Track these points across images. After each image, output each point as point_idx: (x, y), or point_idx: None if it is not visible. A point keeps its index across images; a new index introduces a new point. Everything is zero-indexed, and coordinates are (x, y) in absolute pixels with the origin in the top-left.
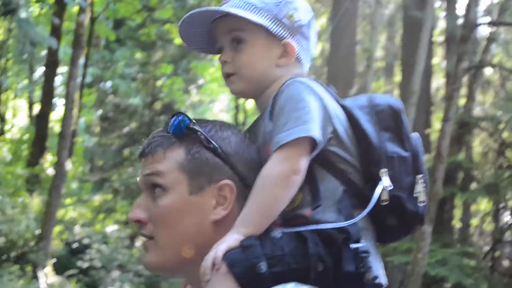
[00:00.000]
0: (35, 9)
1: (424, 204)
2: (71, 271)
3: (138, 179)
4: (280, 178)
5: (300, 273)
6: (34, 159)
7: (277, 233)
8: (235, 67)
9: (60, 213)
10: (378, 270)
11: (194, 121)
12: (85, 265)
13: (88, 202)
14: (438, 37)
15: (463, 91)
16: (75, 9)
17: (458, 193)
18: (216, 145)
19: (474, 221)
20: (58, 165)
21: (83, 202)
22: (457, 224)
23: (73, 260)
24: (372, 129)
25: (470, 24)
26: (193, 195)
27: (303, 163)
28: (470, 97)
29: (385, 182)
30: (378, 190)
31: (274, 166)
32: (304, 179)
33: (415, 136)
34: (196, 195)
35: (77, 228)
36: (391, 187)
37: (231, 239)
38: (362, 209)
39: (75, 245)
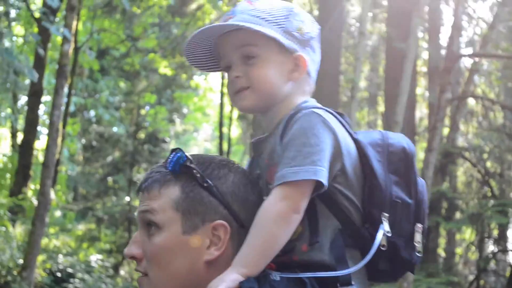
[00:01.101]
0: (18, 38)
1: (421, 254)
2: None
3: (135, 213)
4: (280, 216)
5: None
6: (17, 188)
7: (274, 275)
8: (248, 81)
9: (43, 242)
10: None
11: (191, 158)
12: None
13: (72, 231)
14: (422, 68)
15: (447, 121)
16: (59, 39)
17: (442, 222)
18: (211, 184)
19: (459, 250)
20: (42, 194)
21: (66, 231)
22: (442, 253)
23: None
24: (381, 170)
25: (453, 55)
26: (186, 235)
27: (304, 203)
28: (454, 127)
29: (386, 227)
30: (379, 237)
31: (275, 203)
32: (305, 212)
33: (421, 182)
34: (189, 235)
35: (60, 257)
36: (389, 234)
37: (230, 279)
38: (356, 249)
39: (59, 274)
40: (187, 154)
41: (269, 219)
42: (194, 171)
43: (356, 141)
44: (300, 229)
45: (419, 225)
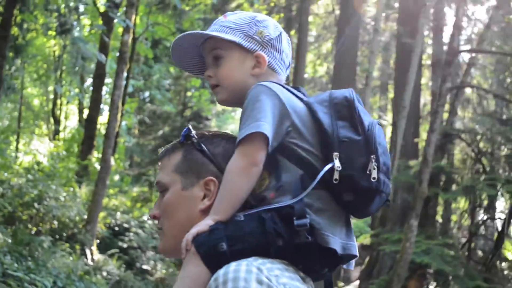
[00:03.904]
0: (85, 29)
1: (376, 180)
2: (113, 250)
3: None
4: (240, 171)
5: (261, 249)
6: (83, 156)
7: (240, 216)
8: (217, 80)
9: (104, 201)
10: (334, 240)
11: (192, 130)
12: (124, 245)
13: (128, 192)
14: (426, 61)
15: (446, 107)
16: (120, 30)
17: (440, 193)
18: (204, 147)
19: (454, 217)
20: (103, 161)
21: (123, 192)
22: (439, 219)
23: (115, 241)
24: (327, 119)
25: (454, 51)
26: (185, 191)
27: (259, 156)
28: (452, 112)
29: (336, 163)
30: (323, 171)
31: (235, 161)
32: (270, 167)
33: (373, 121)
34: (187, 191)
35: (118, 214)
36: (340, 168)
37: (203, 224)
38: (321, 189)
39: (116, 229)
40: (191, 128)
41: (232, 174)
42: (193, 138)
43: (305, 103)
44: (267, 182)
45: (372, 156)
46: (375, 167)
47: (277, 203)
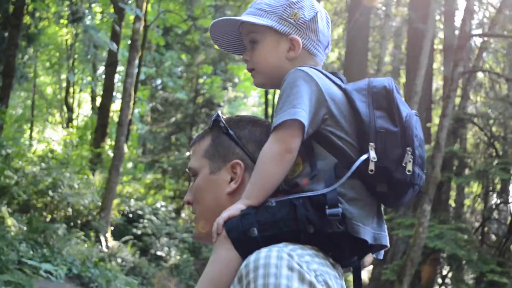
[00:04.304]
0: (97, 17)
1: (410, 173)
2: (127, 237)
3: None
4: (274, 157)
5: (292, 236)
6: (96, 143)
7: (272, 202)
8: (253, 64)
9: (118, 188)
10: (365, 230)
11: (220, 115)
12: (138, 232)
13: (141, 180)
14: (438, 46)
15: (459, 91)
16: (132, 18)
17: (453, 177)
18: (230, 131)
19: (467, 202)
20: (117, 148)
21: (137, 179)
22: (452, 203)
23: (129, 228)
24: (365, 109)
25: (465, 35)
26: (213, 174)
27: (294, 143)
28: (465, 97)
29: (372, 154)
30: (359, 161)
31: (269, 145)
32: (305, 154)
33: (410, 113)
34: (215, 174)
35: (132, 201)
36: (375, 159)
37: (234, 208)
38: (355, 179)
39: (130, 215)
40: (219, 113)
41: (265, 159)
42: (220, 123)
43: (343, 90)
44: (300, 168)
45: (408, 148)
46: (411, 159)
47: (310, 191)
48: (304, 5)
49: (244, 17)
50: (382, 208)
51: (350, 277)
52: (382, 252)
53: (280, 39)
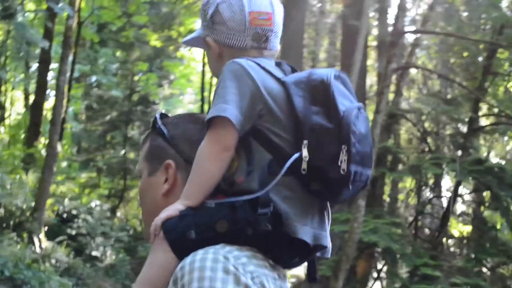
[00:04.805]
0: (30, 14)
1: (345, 172)
2: (61, 237)
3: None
4: (211, 156)
5: (230, 237)
6: (29, 142)
7: (211, 203)
8: None
9: (52, 188)
10: (303, 230)
11: (158, 117)
12: (73, 232)
13: (76, 179)
14: (372, 42)
15: (392, 88)
16: (65, 14)
17: (387, 172)
18: (163, 130)
19: (401, 196)
20: (50, 147)
21: (71, 179)
22: (386, 198)
23: (63, 228)
24: (301, 103)
25: (398, 32)
26: (151, 176)
27: (229, 139)
28: (398, 93)
29: (304, 152)
30: (290, 160)
31: (205, 146)
32: (241, 149)
33: (351, 107)
34: (152, 176)
35: (66, 201)
36: (307, 158)
37: (172, 209)
38: (290, 177)
39: (64, 215)
40: (157, 115)
41: (203, 159)
42: (156, 124)
43: (282, 83)
44: (236, 164)
45: (343, 146)
46: (345, 159)
47: (246, 189)
48: (211, 2)
49: (185, 39)
50: (329, 207)
51: None
52: (329, 251)
53: (208, 43)
